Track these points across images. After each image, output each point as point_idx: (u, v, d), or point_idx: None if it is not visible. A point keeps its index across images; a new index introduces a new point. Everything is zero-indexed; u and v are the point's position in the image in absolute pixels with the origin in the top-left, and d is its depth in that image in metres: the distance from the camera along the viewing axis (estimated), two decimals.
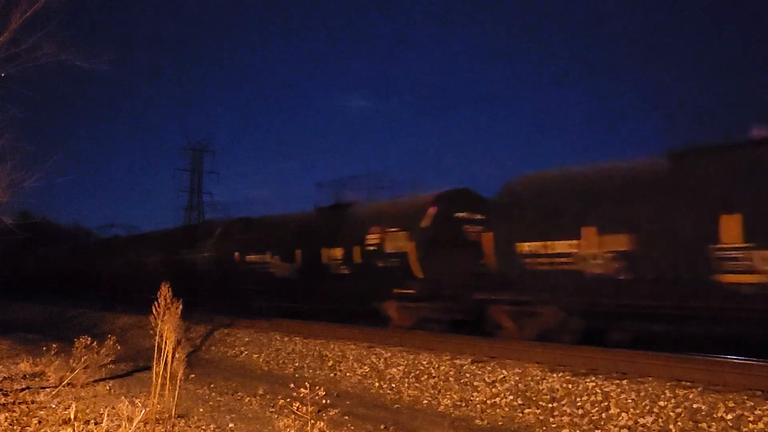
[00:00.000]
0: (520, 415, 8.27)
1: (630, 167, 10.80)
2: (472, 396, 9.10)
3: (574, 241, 10.64)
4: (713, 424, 6.81)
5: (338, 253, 15.77)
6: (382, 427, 7.76)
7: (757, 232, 8.56)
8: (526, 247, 11.40)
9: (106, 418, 6.53)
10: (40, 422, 6.96)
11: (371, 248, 14.82)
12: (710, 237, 8.95)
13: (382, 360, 11.25)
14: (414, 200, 14.98)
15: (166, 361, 6.55)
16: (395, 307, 14.34)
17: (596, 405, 7.88)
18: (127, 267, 26.45)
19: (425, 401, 9.41)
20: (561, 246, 10.86)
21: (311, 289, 17.18)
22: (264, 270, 18.42)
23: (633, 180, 10.43)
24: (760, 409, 6.74)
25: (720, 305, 9.21)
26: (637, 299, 10.18)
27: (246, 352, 14.33)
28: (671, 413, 7.21)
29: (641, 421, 7.29)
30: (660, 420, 7.18)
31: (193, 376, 9.08)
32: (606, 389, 8.09)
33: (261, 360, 13.60)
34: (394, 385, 10.28)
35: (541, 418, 8.06)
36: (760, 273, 8.55)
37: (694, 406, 7.18)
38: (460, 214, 13.94)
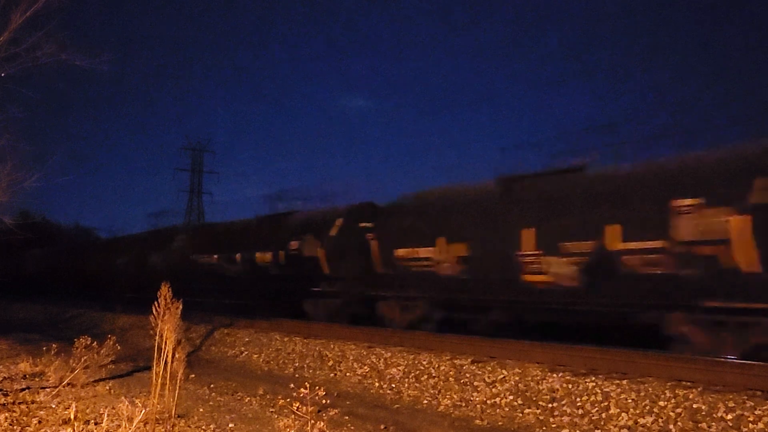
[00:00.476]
0: (520, 415, 8.27)
1: (472, 189, 13.85)
2: (472, 396, 9.10)
3: (431, 248, 13.50)
4: (713, 424, 6.81)
5: (268, 256, 18.55)
6: (382, 427, 7.76)
7: (544, 242, 11.36)
8: (400, 252, 14.27)
9: (106, 418, 6.53)
10: (40, 422, 6.96)
11: (293, 253, 17.51)
12: (516, 246, 11.80)
13: (382, 360, 11.25)
14: (327, 212, 17.84)
15: (166, 361, 6.55)
16: (311, 303, 17.06)
17: (596, 405, 7.88)
18: (103, 267, 29.18)
19: (425, 401, 9.42)
20: (423, 252, 13.73)
21: (248, 287, 19.79)
22: (212, 270, 21.34)
23: (471, 200, 13.38)
24: (760, 409, 6.74)
25: (526, 299, 12.08)
26: (475, 294, 12.96)
27: (246, 352, 14.33)
28: (671, 413, 7.21)
29: (641, 421, 7.29)
30: (660, 420, 7.19)
31: (193, 376, 9.09)
32: (606, 389, 8.09)
33: (261, 360, 13.60)
34: (394, 385, 10.29)
35: (541, 418, 8.06)
36: (547, 274, 11.37)
37: (694, 406, 7.18)
38: (364, 224, 16.12)
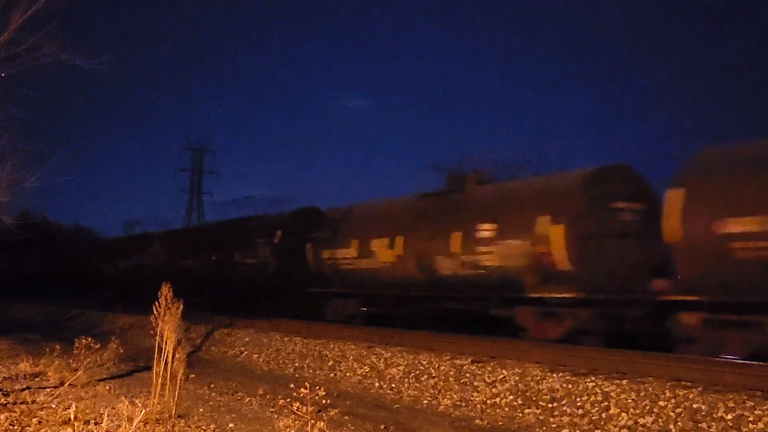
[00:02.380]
0: (520, 415, 8.27)
1: (391, 203, 16.70)
2: (472, 396, 9.10)
3: (348, 250, 16.20)
4: (713, 424, 6.81)
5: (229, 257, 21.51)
6: (382, 427, 7.76)
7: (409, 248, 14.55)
8: (325, 254, 17.02)
9: (106, 418, 6.53)
10: (40, 422, 6.96)
11: (250, 255, 20.27)
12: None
13: (382, 360, 11.25)
14: (273, 218, 20.60)
15: (166, 361, 6.56)
16: (266, 299, 19.28)
17: (596, 405, 7.88)
18: (90, 268, 31.28)
19: (425, 401, 9.42)
20: (341, 253, 16.46)
21: (214, 281, 22.13)
22: (183, 268, 23.59)
23: (396, 209, 16.02)
24: (760, 409, 6.74)
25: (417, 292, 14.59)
26: (393, 290, 15.11)
27: (246, 352, 14.34)
28: (671, 413, 7.21)
29: (641, 421, 7.29)
30: (660, 420, 7.19)
31: (193, 376, 9.09)
32: (606, 389, 8.09)
33: (261, 360, 13.60)
34: (394, 385, 10.29)
35: (541, 418, 8.06)
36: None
37: (694, 406, 7.18)
38: (305, 230, 18.44)
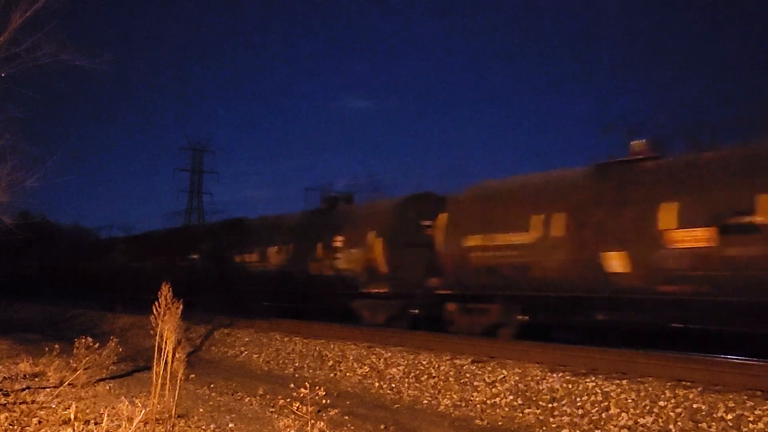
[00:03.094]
0: (520, 415, 8.28)
1: (283, 217, 20.63)
2: (472, 396, 9.10)
3: (251, 255, 20.16)
4: (713, 424, 6.81)
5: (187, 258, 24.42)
6: (382, 427, 7.76)
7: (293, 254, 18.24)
8: (238, 258, 20.89)
9: (106, 418, 6.53)
10: (40, 422, 6.96)
11: (188, 259, 24.11)
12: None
13: (382, 360, 11.25)
14: (206, 227, 27.06)
15: (166, 361, 6.55)
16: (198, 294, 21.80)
17: (596, 405, 7.88)
18: (74, 268, 33.59)
19: (425, 401, 9.42)
20: (252, 257, 20.14)
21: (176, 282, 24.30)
22: (144, 269, 26.23)
23: (288, 222, 19.73)
24: (760, 409, 6.74)
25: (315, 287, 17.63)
26: (283, 286, 18.80)
27: (246, 352, 14.34)
28: (671, 413, 7.21)
29: (641, 421, 7.29)
30: (660, 420, 7.19)
31: (193, 376, 9.08)
32: (606, 389, 8.09)
33: (261, 360, 13.60)
34: (394, 385, 10.29)
35: (541, 418, 8.06)
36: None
37: (694, 406, 7.18)
38: (224, 239, 22.42)
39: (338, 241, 16.66)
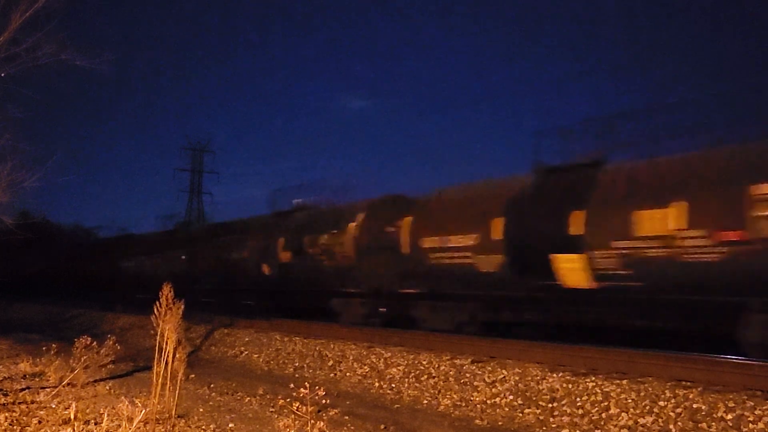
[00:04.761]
0: (520, 415, 8.28)
1: (250, 220, 21.95)
2: (472, 396, 9.10)
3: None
4: (713, 424, 6.82)
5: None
6: (382, 427, 7.76)
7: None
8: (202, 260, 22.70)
9: (106, 418, 6.53)
10: (40, 422, 6.96)
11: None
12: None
13: (382, 360, 11.25)
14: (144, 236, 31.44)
15: (166, 361, 6.55)
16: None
17: (596, 405, 7.88)
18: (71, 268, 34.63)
19: (425, 401, 9.42)
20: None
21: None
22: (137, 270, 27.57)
23: (244, 227, 21.35)
24: (760, 409, 6.74)
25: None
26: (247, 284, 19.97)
27: (246, 352, 14.34)
28: (671, 413, 7.21)
29: (641, 421, 7.29)
30: (660, 420, 7.19)
31: (193, 376, 9.10)
32: (606, 389, 8.09)
33: (261, 360, 13.60)
34: (394, 385, 10.29)
35: (541, 418, 8.06)
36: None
37: (694, 406, 7.18)
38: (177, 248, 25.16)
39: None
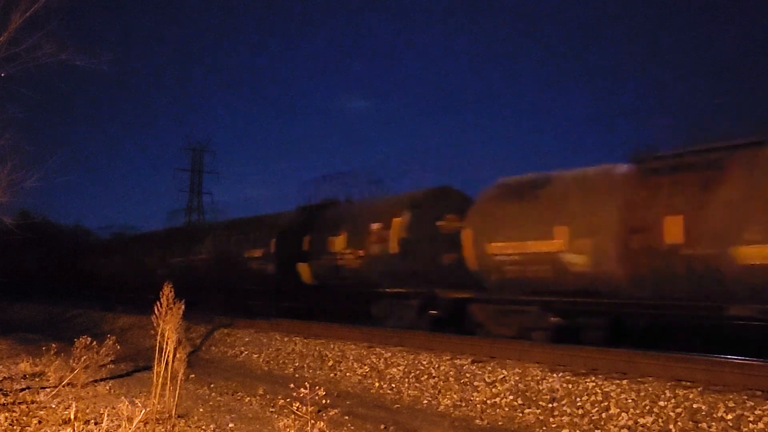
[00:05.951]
0: (520, 415, 8.28)
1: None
2: (472, 396, 9.10)
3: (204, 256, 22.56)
4: (713, 424, 6.82)
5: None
6: (382, 427, 7.76)
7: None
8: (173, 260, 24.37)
9: (106, 418, 6.53)
10: (40, 422, 6.96)
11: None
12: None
13: (382, 360, 11.25)
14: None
15: (167, 360, 6.56)
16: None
17: (596, 405, 7.88)
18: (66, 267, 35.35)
19: (425, 401, 9.42)
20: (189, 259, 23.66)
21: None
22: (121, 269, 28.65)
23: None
24: (760, 409, 6.74)
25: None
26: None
27: (246, 352, 14.34)
28: (671, 413, 7.22)
29: (641, 421, 7.30)
30: (660, 420, 7.19)
31: (193, 376, 9.09)
32: (606, 389, 8.09)
33: (261, 360, 13.60)
34: (394, 385, 10.29)
35: (541, 418, 8.06)
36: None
37: (694, 406, 7.18)
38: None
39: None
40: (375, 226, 15.28)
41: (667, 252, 9.56)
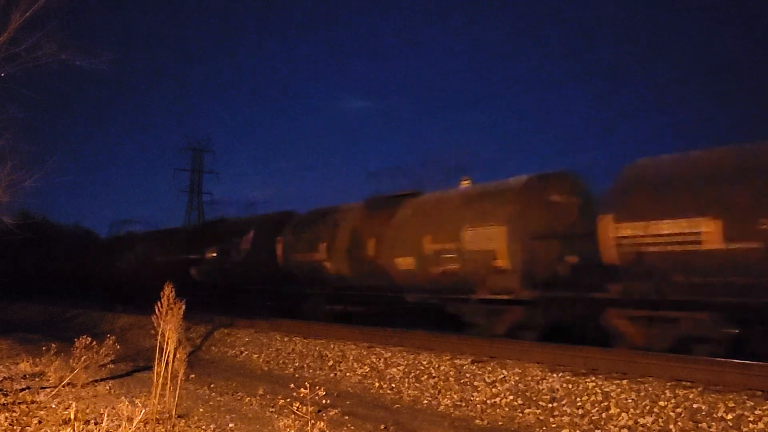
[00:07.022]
0: (520, 415, 8.28)
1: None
2: (472, 396, 9.10)
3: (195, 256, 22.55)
4: (713, 424, 6.82)
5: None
6: (382, 427, 7.76)
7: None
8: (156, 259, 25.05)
9: (106, 418, 6.53)
10: (40, 422, 6.96)
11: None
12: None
13: (382, 360, 11.25)
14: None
15: (167, 361, 6.56)
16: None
17: (596, 405, 7.89)
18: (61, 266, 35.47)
19: (425, 401, 9.42)
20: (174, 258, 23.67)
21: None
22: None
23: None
24: (760, 409, 6.74)
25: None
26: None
27: (246, 352, 14.33)
28: (671, 413, 7.22)
29: (641, 421, 7.30)
30: (660, 420, 7.19)
31: (193, 376, 9.10)
32: (606, 389, 8.09)
33: (261, 360, 13.60)
34: (394, 385, 10.29)
35: (541, 418, 8.06)
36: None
37: (694, 406, 7.18)
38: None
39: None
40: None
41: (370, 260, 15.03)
